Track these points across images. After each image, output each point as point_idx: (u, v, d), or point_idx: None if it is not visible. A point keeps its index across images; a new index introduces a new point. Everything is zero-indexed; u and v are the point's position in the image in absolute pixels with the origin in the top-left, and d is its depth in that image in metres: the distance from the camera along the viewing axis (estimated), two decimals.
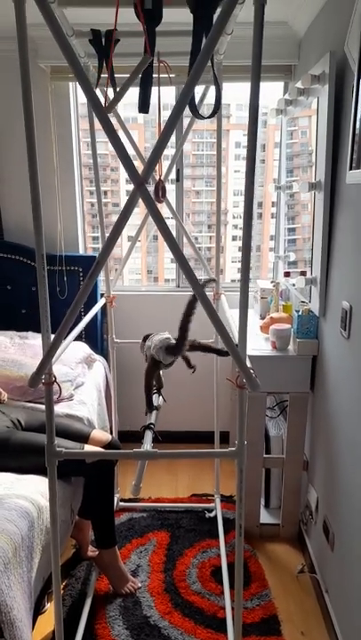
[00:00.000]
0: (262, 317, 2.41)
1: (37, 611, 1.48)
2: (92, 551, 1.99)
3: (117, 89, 1.38)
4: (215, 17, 0.94)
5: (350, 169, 1.45)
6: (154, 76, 1.22)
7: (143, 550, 2.07)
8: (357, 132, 1.40)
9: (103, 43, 1.33)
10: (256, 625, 1.72)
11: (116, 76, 1.39)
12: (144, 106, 1.18)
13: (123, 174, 3.11)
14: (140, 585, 1.88)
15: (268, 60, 2.31)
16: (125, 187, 3.15)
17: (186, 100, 0.91)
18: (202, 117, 1.15)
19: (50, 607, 1.76)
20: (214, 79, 1.16)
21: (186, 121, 2.12)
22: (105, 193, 3.12)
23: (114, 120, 1.82)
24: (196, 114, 1.13)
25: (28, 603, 1.32)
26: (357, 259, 1.46)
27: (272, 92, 2.66)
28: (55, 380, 1.12)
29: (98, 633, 1.68)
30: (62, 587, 1.84)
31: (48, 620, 1.71)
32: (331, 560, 1.70)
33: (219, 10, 0.96)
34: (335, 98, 1.62)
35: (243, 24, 1.32)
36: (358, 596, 1.41)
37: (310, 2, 1.91)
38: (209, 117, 1.16)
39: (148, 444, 1.29)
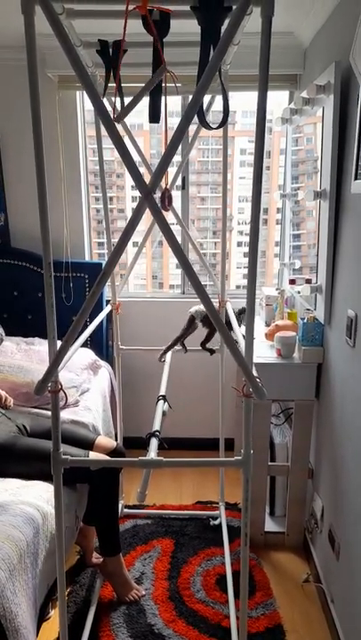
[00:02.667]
0: (267, 324, 2.42)
1: (42, 617, 1.48)
2: (96, 558, 1.99)
3: (124, 98, 1.39)
4: (222, 28, 0.95)
5: (355, 179, 1.45)
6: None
7: (147, 557, 2.06)
8: None
9: (111, 53, 1.35)
10: (261, 634, 1.70)
11: (122, 85, 1.40)
12: (155, 116, 1.19)
13: (128, 180, 3.13)
14: (144, 592, 1.87)
15: (274, 70, 2.33)
16: (131, 193, 3.17)
17: (194, 110, 0.92)
18: (210, 128, 1.16)
19: (54, 614, 1.75)
20: (222, 90, 1.17)
21: (192, 128, 2.13)
22: (111, 199, 3.13)
23: (120, 127, 1.83)
24: (204, 124, 1.14)
25: (32, 609, 1.32)
26: None
27: (278, 98, 2.67)
28: (61, 388, 1.13)
29: None
30: (66, 594, 1.84)
31: (52, 627, 1.71)
32: (336, 569, 1.68)
33: (226, 21, 0.97)
34: (340, 108, 1.63)
35: (249, 34, 1.33)
36: None
37: (316, 12, 1.93)
38: (217, 128, 1.17)
39: (153, 452, 1.29)
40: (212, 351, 2.04)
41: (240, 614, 1.27)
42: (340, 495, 1.67)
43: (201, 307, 1.93)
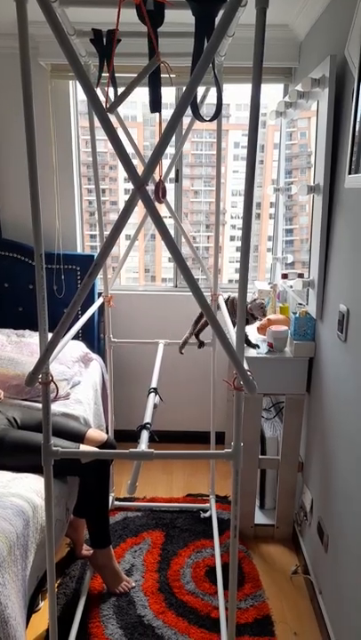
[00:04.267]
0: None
1: (31, 609, 1.49)
2: (86, 550, 1.99)
3: (118, 88, 1.38)
4: (217, 20, 0.95)
5: (349, 173, 1.45)
6: None
7: (138, 550, 2.07)
8: (357, 136, 1.41)
9: (104, 42, 1.33)
10: (249, 625, 1.72)
11: (116, 75, 1.39)
12: (156, 106, 1.19)
13: (121, 173, 3.11)
14: (134, 584, 1.88)
15: (269, 63, 2.31)
16: (124, 185, 3.15)
17: (187, 102, 0.91)
18: (203, 120, 1.16)
19: (44, 606, 1.76)
20: (215, 82, 1.16)
21: (186, 121, 2.12)
22: (103, 191, 3.11)
23: (113, 118, 1.82)
24: (197, 116, 1.13)
25: (22, 601, 1.32)
26: (355, 262, 1.47)
27: (272, 92, 2.66)
28: (52, 380, 1.12)
29: (92, 632, 1.68)
30: (56, 585, 1.84)
31: (42, 619, 1.71)
32: (325, 561, 1.71)
33: (220, 13, 0.96)
34: (335, 102, 1.62)
35: (244, 26, 1.32)
36: (352, 597, 1.42)
37: (311, 5, 1.92)
38: (210, 120, 1.17)
39: (144, 444, 1.29)
40: (201, 343, 2.08)
41: (229, 605, 1.28)
42: (329, 488, 1.68)
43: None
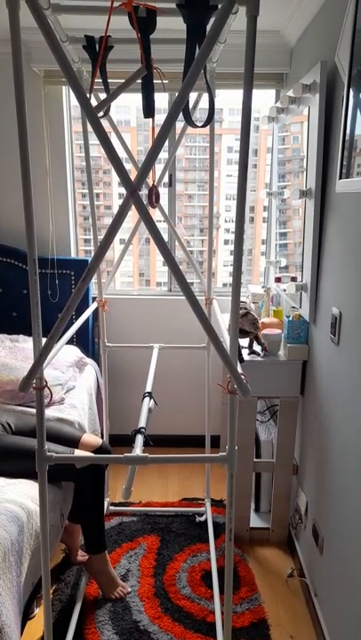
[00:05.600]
0: None
1: (26, 616, 1.48)
2: (81, 556, 1.99)
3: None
4: (208, 26, 0.96)
5: (340, 178, 1.47)
6: None
7: (133, 555, 2.07)
8: (347, 141, 1.42)
9: (97, 49, 1.34)
10: (245, 629, 1.72)
11: (111, 81, 1.40)
12: (149, 111, 1.20)
13: (115, 177, 3.12)
14: (129, 589, 1.87)
15: (260, 68, 2.34)
16: (118, 189, 3.16)
17: (179, 108, 0.92)
18: (195, 126, 1.17)
19: (39, 612, 1.75)
20: (207, 88, 1.18)
21: (179, 125, 2.13)
22: (97, 195, 3.12)
23: (106, 123, 1.83)
24: (189, 122, 1.14)
25: (17, 608, 1.31)
26: (346, 266, 1.48)
27: (264, 97, 2.68)
28: (46, 385, 1.12)
29: (87, 638, 1.67)
30: (52, 591, 1.83)
31: (37, 626, 1.70)
32: (320, 564, 1.71)
33: (212, 20, 0.97)
34: (326, 107, 1.64)
35: (236, 32, 1.34)
36: (347, 600, 1.42)
37: (302, 12, 1.94)
38: (202, 127, 1.17)
39: (138, 449, 1.29)
40: (252, 353, 2.02)
41: (225, 609, 1.28)
42: (323, 491, 1.69)
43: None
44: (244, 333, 1.95)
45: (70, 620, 1.71)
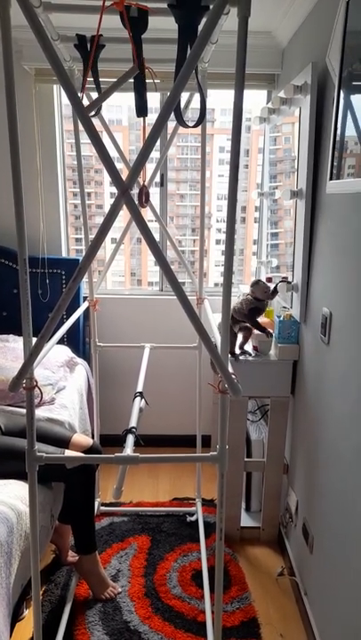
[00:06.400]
0: None
1: (15, 617, 1.47)
2: (71, 556, 1.98)
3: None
4: (200, 27, 0.96)
5: (330, 179, 1.48)
6: None
7: (124, 555, 2.06)
8: (337, 142, 1.43)
9: (89, 48, 1.34)
10: (236, 628, 1.73)
11: (103, 80, 1.39)
12: (142, 110, 1.20)
13: (107, 176, 3.11)
14: (120, 590, 1.87)
15: (252, 69, 2.34)
16: (109, 189, 3.15)
17: (171, 108, 0.92)
18: (187, 126, 1.17)
19: (28, 613, 1.74)
20: (199, 89, 1.18)
21: (171, 125, 2.13)
22: (89, 195, 3.10)
23: (97, 122, 1.82)
24: (181, 122, 1.14)
25: (6, 609, 1.30)
26: (337, 266, 1.49)
27: (256, 97, 2.69)
28: (36, 385, 1.12)
29: (77, 639, 1.66)
30: (41, 592, 1.82)
31: (27, 627, 1.69)
32: (310, 563, 1.72)
33: (203, 20, 0.97)
34: (317, 108, 1.65)
35: (228, 32, 1.34)
36: (337, 599, 1.44)
37: (293, 13, 1.95)
38: (194, 127, 1.18)
39: (129, 449, 1.29)
40: (243, 353, 2.03)
41: (215, 609, 1.28)
42: (313, 490, 1.70)
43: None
44: (257, 303, 1.95)
45: (60, 620, 1.70)
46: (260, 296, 1.94)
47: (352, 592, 1.31)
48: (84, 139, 1.87)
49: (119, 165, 1.85)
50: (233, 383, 1.05)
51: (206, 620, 1.73)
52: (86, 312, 2.28)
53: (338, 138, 1.43)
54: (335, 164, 1.45)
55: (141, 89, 1.21)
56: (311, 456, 1.73)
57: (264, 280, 2.03)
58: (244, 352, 2.03)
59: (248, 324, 1.99)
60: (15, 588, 1.40)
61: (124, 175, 0.97)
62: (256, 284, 1.96)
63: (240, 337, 2.04)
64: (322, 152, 1.64)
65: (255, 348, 2.04)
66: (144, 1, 1.07)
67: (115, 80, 1.24)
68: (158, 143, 2.58)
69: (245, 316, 1.96)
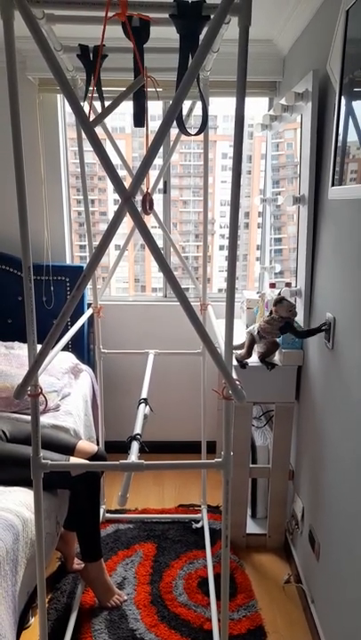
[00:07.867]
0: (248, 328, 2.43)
1: (21, 625, 1.46)
2: (77, 564, 1.97)
3: (105, 102, 1.40)
4: (201, 36, 0.97)
5: (333, 185, 1.48)
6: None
7: (129, 562, 2.06)
8: (339, 148, 1.44)
9: (91, 58, 1.35)
10: (242, 636, 1.71)
11: (105, 89, 1.41)
12: (139, 120, 1.21)
13: (110, 183, 3.12)
14: (125, 597, 1.86)
15: (253, 77, 2.36)
16: (113, 196, 3.17)
17: (173, 116, 0.93)
18: (189, 134, 1.18)
19: (34, 622, 1.73)
20: (200, 97, 1.19)
21: (174, 132, 2.15)
22: (92, 202, 3.12)
23: (100, 130, 1.84)
24: (183, 130, 1.15)
25: (12, 617, 1.30)
26: (340, 271, 1.49)
27: (258, 104, 2.71)
28: (41, 392, 1.12)
29: None
30: (47, 600, 1.82)
31: (33, 635, 1.69)
32: (316, 570, 1.71)
33: (205, 29, 0.98)
34: (318, 115, 1.66)
35: (229, 41, 1.35)
36: (344, 606, 1.42)
37: (294, 22, 1.96)
38: (196, 135, 1.18)
39: (134, 455, 1.29)
40: (272, 365, 1.97)
41: (221, 617, 1.27)
42: (319, 496, 1.69)
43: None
44: (285, 320, 1.83)
45: (66, 629, 1.69)
46: (285, 314, 1.82)
47: (360, 600, 1.29)
48: (88, 146, 1.89)
49: (122, 173, 1.87)
50: (237, 389, 1.05)
51: (213, 628, 1.72)
52: (90, 319, 2.29)
53: (340, 144, 1.43)
54: (337, 169, 1.45)
55: (140, 98, 1.22)
56: (317, 462, 1.73)
57: (268, 286, 2.02)
58: (268, 363, 1.97)
59: (275, 340, 1.93)
60: (21, 595, 1.39)
61: (127, 183, 0.98)
62: (280, 302, 1.82)
63: (259, 348, 1.98)
64: (324, 158, 1.64)
65: (259, 355, 2.03)
66: (146, 11, 1.08)
67: (116, 89, 1.25)
68: (161, 150, 2.60)
69: (277, 335, 1.89)
